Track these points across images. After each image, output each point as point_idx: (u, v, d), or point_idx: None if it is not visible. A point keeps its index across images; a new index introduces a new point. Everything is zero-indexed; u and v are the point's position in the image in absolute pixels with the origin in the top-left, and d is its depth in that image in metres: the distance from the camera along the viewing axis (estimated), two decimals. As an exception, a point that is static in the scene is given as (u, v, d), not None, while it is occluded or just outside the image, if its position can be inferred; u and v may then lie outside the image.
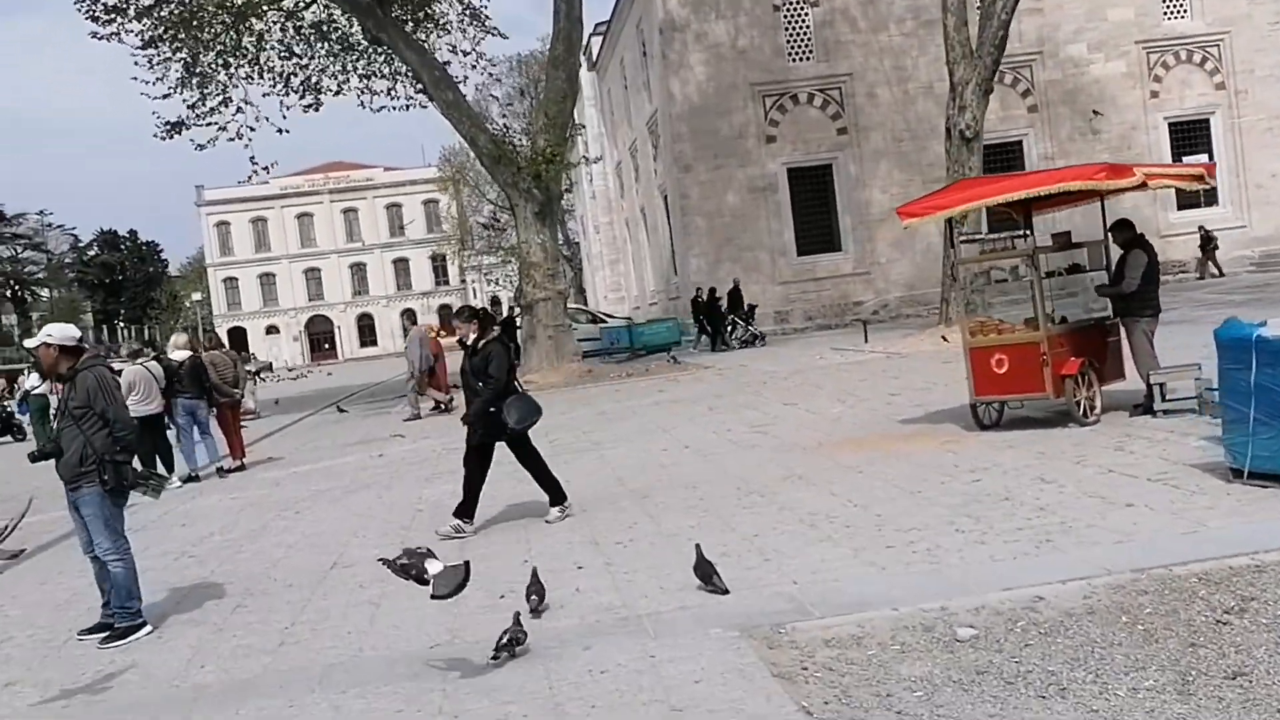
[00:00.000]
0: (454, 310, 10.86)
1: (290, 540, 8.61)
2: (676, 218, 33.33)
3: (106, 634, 6.12)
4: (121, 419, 6.07)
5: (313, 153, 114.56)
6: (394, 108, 23.00)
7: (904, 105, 32.12)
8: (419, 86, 22.62)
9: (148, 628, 6.20)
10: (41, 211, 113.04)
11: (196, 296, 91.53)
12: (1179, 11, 32.90)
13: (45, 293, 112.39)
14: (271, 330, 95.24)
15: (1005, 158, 32.37)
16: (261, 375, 50.18)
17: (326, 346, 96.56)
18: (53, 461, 6.12)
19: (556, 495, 8.26)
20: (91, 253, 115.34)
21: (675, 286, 35.64)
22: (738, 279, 29.84)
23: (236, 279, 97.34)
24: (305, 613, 6.31)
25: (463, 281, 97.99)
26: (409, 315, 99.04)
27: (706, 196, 31.90)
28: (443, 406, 18.96)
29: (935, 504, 6.97)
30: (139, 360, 12.94)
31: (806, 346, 25.19)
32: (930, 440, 9.44)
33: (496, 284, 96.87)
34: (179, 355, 13.21)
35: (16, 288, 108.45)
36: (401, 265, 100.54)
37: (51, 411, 19.30)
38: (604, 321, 34.40)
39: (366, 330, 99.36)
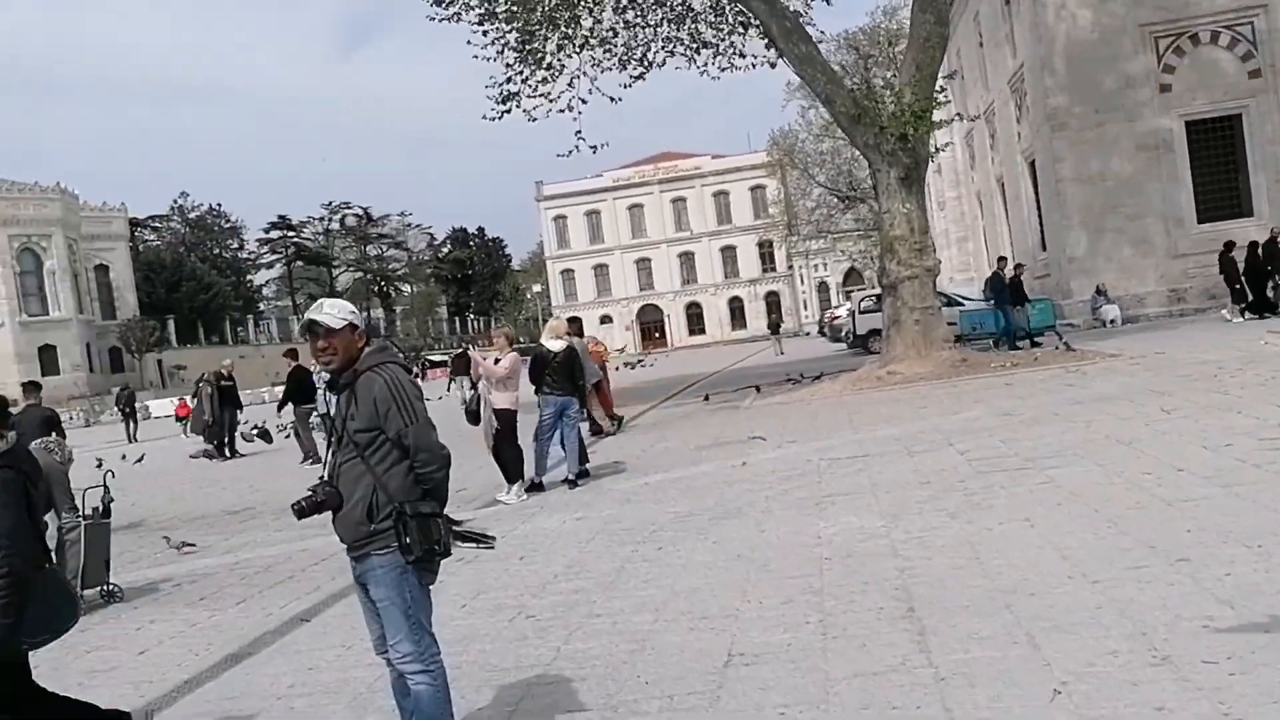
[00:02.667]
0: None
1: (656, 599, 6.34)
2: (1047, 185, 29.18)
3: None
4: (428, 447, 3.96)
5: (642, 146, 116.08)
6: (738, 67, 20.53)
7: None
8: (766, 42, 20.20)
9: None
10: (402, 213, 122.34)
11: (536, 288, 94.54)
12: None
13: (406, 288, 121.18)
14: (605, 320, 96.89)
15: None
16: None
17: (657, 335, 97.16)
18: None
19: None
20: (445, 250, 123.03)
21: (1044, 264, 31.42)
22: (1276, 228, 23.97)
23: (573, 270, 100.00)
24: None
25: (790, 268, 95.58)
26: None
27: (1085, 159, 27.63)
28: (606, 431, 16.56)
29: None
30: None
31: (1223, 331, 20.76)
32: None
33: (824, 269, 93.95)
34: (554, 344, 11.48)
35: (382, 284, 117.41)
36: (729, 253, 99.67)
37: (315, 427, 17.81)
38: (960, 304, 30.80)
39: (695, 319, 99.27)
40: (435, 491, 4.02)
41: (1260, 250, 22.87)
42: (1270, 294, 22.68)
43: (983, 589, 5.52)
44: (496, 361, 10.85)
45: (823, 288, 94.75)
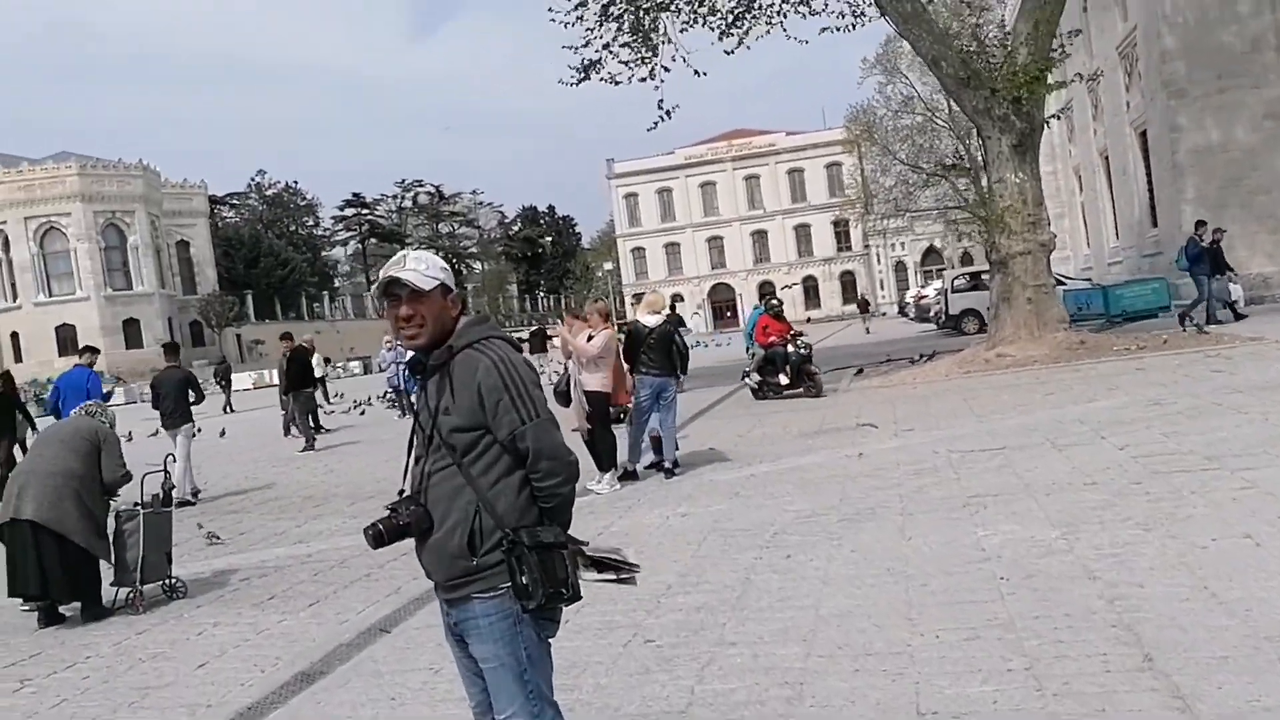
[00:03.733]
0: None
1: (801, 625, 5.24)
2: (1162, 156, 27.33)
3: None
4: (553, 452, 2.93)
5: (715, 124, 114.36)
6: (836, 28, 19.17)
7: None
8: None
9: None
10: (474, 191, 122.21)
11: (608, 266, 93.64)
12: None
13: (477, 265, 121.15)
14: (676, 299, 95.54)
15: None
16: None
17: (729, 314, 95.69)
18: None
19: None
20: (515, 228, 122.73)
21: (1154, 242, 29.59)
22: None
23: (644, 249, 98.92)
24: None
25: (866, 247, 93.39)
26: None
27: (1205, 128, 25.78)
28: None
29: None
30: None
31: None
32: None
33: (901, 248, 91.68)
34: (651, 320, 10.43)
35: (454, 261, 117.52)
36: (803, 231, 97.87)
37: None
38: (1062, 283, 29.15)
39: (769, 298, 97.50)
40: (558, 512, 2.98)
41: None
42: None
43: (1235, 633, 4.34)
44: (590, 339, 9.82)
45: (900, 267, 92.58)
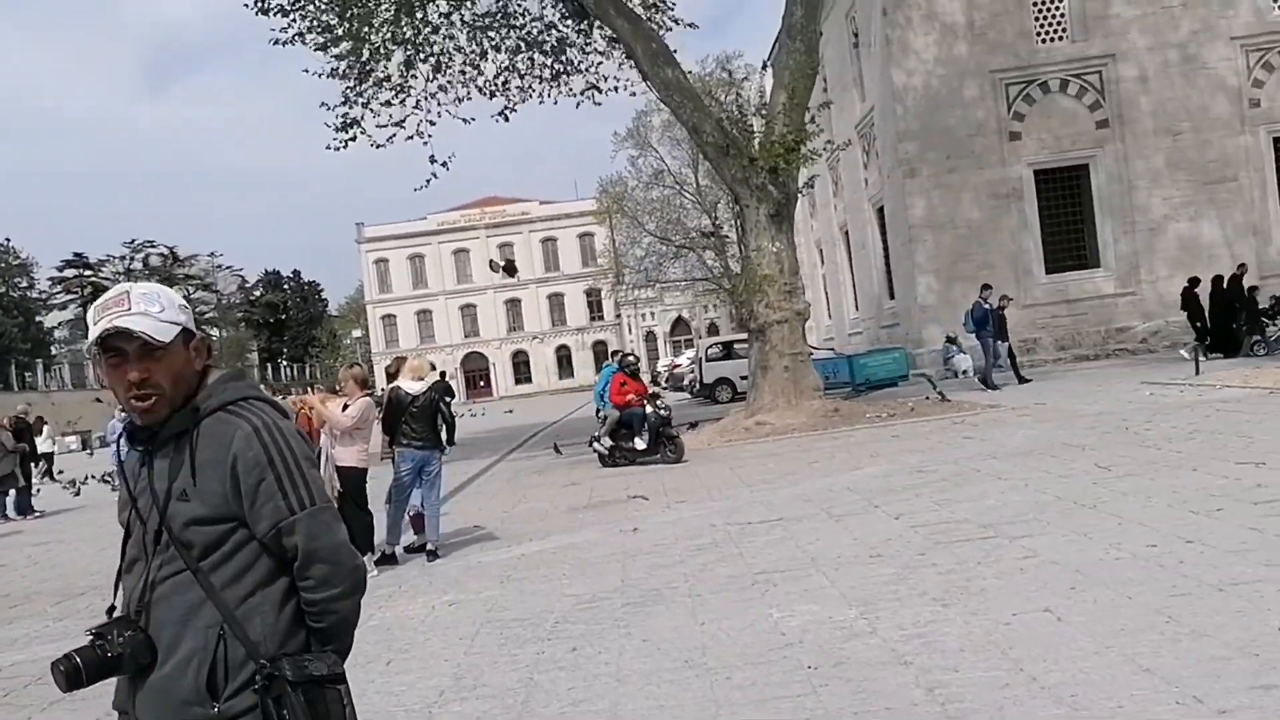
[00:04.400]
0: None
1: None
2: (898, 232, 28.80)
3: None
4: (332, 553, 2.23)
5: (467, 190, 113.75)
6: (599, 92, 19.09)
7: (1181, 90, 26.99)
8: (629, 64, 18.81)
9: None
10: (212, 253, 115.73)
11: (356, 334, 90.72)
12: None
13: (215, 332, 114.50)
14: (430, 367, 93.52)
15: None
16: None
17: (482, 384, 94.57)
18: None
19: None
20: (257, 293, 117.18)
21: (891, 313, 31.08)
22: (1243, 264, 23.66)
23: (394, 315, 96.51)
24: None
25: (617, 317, 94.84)
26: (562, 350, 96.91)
27: (936, 205, 27.34)
28: None
29: None
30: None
31: (1087, 381, 20.45)
32: None
33: (651, 318, 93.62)
34: (414, 386, 9.53)
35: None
36: (556, 300, 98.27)
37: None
38: (812, 353, 30.12)
39: (522, 366, 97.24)
40: (334, 635, 2.26)
41: (1225, 286, 22.21)
42: (1236, 330, 21.89)
43: (1074, 724, 4.01)
44: (345, 408, 8.88)
45: (650, 337, 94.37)
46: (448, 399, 9.80)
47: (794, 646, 5.46)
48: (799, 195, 19.32)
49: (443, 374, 37.95)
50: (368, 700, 5.50)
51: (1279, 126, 27.18)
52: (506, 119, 19.63)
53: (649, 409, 15.54)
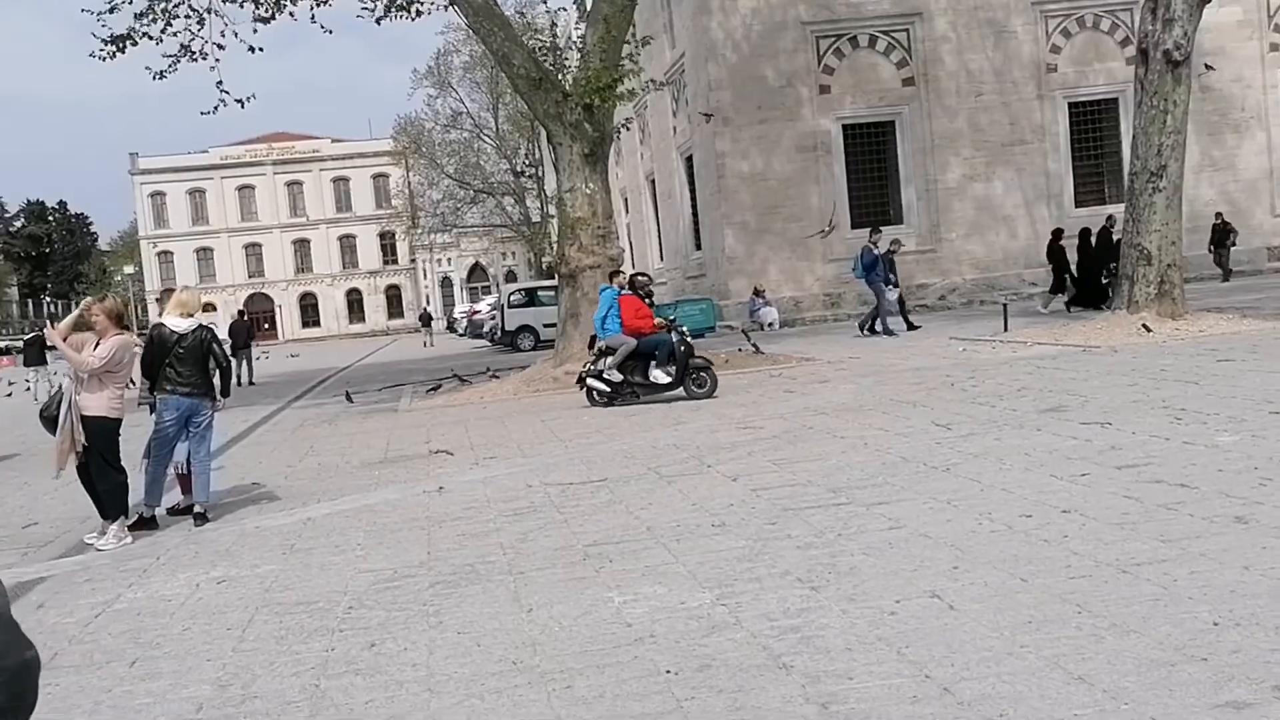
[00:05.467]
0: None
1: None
2: (708, 182, 28.30)
3: None
4: None
5: (254, 125, 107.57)
6: (405, 13, 17.46)
7: (984, 52, 27.42)
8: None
9: None
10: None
11: (129, 270, 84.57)
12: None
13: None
14: (208, 307, 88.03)
15: (1096, 117, 27.88)
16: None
17: (266, 326, 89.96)
18: None
19: None
20: (18, 224, 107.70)
21: (698, 264, 30.66)
22: (1111, 216, 22.73)
23: (172, 252, 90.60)
24: None
25: (412, 261, 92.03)
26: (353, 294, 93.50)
27: (746, 156, 26.97)
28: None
29: None
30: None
31: (898, 339, 20.45)
32: None
33: (448, 264, 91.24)
34: (180, 324, 7.99)
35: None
36: (348, 242, 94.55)
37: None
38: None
39: (310, 310, 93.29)
40: None
41: (1094, 239, 21.85)
42: (1105, 282, 21.17)
43: None
44: (96, 346, 7.36)
45: (446, 283, 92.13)
46: (219, 340, 8.32)
47: (644, 642, 4.53)
48: (614, 136, 18.34)
49: (241, 313, 35.28)
50: (100, 717, 4.27)
51: (1074, 93, 28.04)
52: (267, 22, 17.52)
53: (674, 336, 13.30)
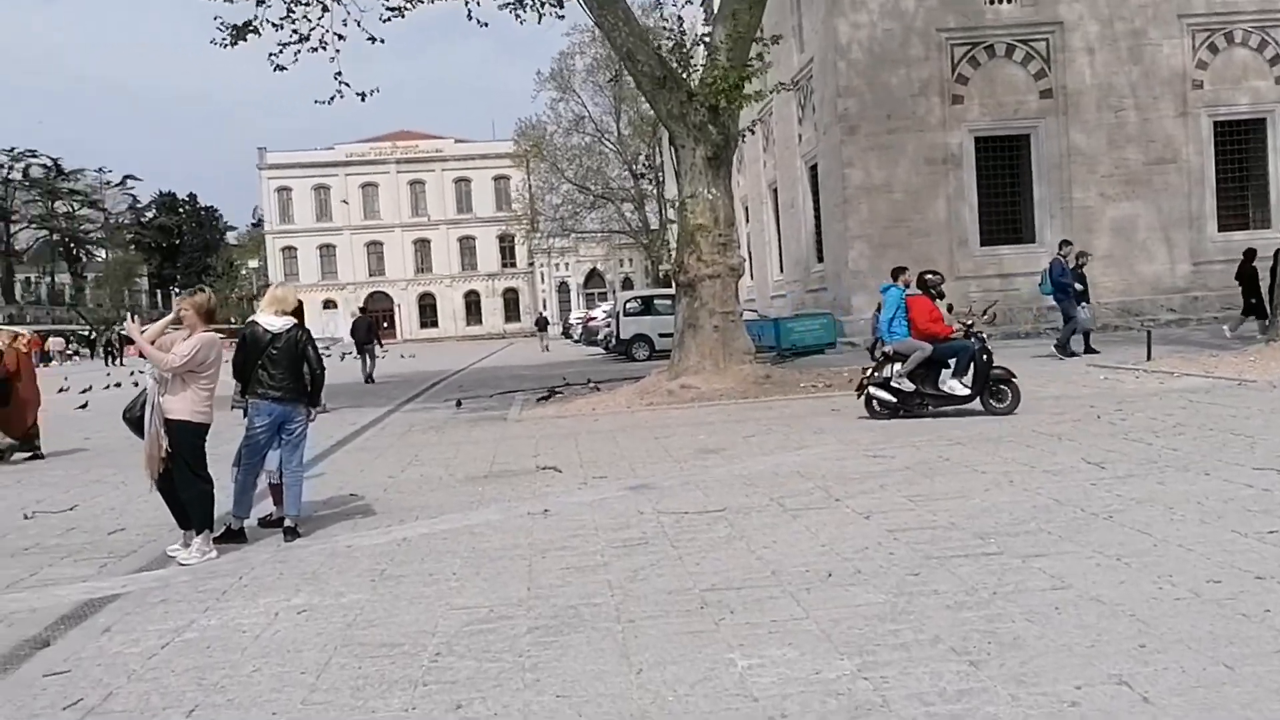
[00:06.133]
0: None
1: None
2: (833, 192, 27.34)
3: None
4: None
5: (378, 124, 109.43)
6: (521, 7, 17.07)
7: (1126, 66, 25.92)
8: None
9: None
10: (101, 169, 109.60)
11: (254, 264, 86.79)
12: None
13: (101, 253, 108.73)
14: (329, 305, 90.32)
15: (1242, 138, 26.09)
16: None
17: (385, 325, 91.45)
18: None
19: None
20: (150, 215, 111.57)
21: (819, 277, 29.71)
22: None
23: (295, 248, 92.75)
24: None
25: (530, 265, 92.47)
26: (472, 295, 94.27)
27: (873, 167, 25.96)
28: None
29: None
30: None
31: (1028, 359, 19.27)
32: None
33: (565, 269, 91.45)
34: (274, 323, 7.62)
35: (72, 245, 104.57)
36: (468, 244, 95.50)
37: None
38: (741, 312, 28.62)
39: (428, 310, 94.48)
40: None
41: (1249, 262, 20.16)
42: (1257, 306, 19.73)
43: None
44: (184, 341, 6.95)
45: (563, 288, 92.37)
46: (314, 341, 7.84)
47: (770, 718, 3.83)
48: (740, 139, 17.63)
49: (364, 310, 35.55)
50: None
51: (1219, 110, 26.34)
52: (402, 15, 17.33)
53: (974, 342, 11.90)
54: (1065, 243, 19.80)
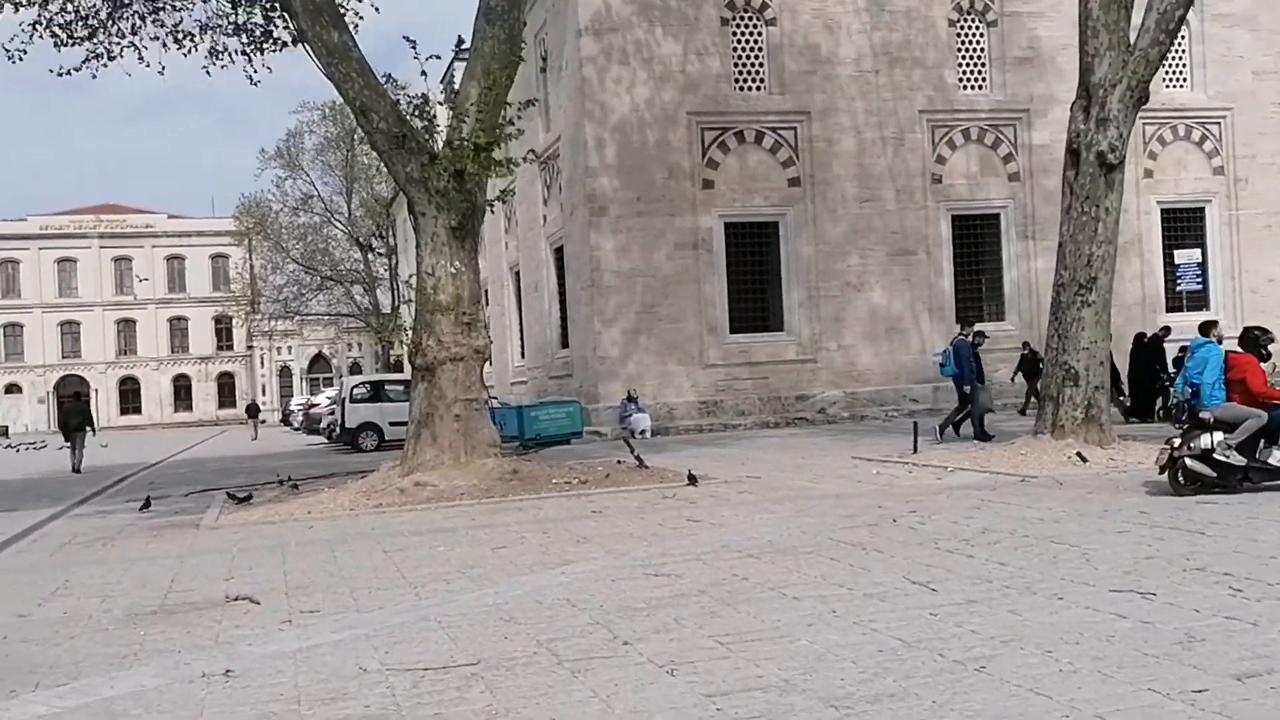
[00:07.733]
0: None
1: None
2: (580, 275, 26.01)
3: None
4: None
5: (81, 196, 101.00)
6: (239, 51, 14.81)
7: (871, 156, 26.22)
8: (283, 22, 14.70)
9: None
10: None
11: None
12: (1179, 80, 28.53)
13: None
14: (12, 389, 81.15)
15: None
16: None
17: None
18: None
19: None
20: None
21: (561, 363, 28.23)
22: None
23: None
24: None
25: (249, 348, 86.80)
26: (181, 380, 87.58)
27: (624, 250, 24.88)
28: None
29: None
30: None
31: (786, 451, 18.43)
32: None
33: (289, 352, 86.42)
34: None
35: None
36: (179, 325, 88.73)
37: None
38: (487, 399, 26.64)
39: (130, 395, 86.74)
40: None
41: (1147, 344, 20.25)
42: (1155, 392, 19.54)
43: None
44: None
45: (285, 372, 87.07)
46: None
47: None
48: (489, 209, 15.90)
49: (76, 394, 30.96)
50: None
51: (957, 205, 27.09)
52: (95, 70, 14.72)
53: None
54: (967, 323, 19.56)
